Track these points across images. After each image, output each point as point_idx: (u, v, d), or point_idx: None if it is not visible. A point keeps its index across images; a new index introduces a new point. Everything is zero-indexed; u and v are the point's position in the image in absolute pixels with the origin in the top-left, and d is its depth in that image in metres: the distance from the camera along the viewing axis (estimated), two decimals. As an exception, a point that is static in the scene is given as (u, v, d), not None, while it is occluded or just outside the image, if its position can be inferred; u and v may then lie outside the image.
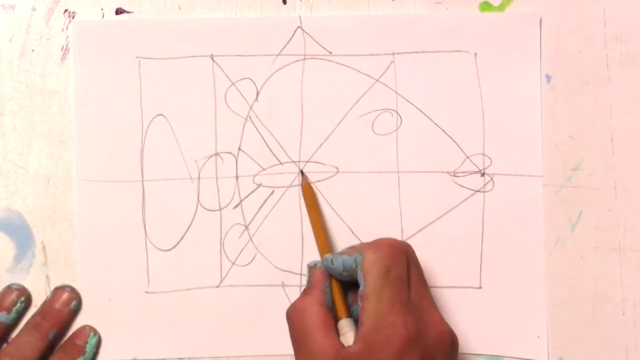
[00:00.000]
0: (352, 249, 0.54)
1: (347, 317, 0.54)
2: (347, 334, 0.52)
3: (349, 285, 0.55)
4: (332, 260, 0.54)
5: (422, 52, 0.61)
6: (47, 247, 0.60)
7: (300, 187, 0.60)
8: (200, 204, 0.60)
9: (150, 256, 0.60)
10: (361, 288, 0.51)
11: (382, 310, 0.50)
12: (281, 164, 0.60)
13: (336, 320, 0.53)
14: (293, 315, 0.53)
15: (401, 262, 0.52)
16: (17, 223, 0.60)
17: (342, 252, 0.54)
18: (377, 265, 0.51)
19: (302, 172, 0.60)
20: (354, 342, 0.51)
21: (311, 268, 0.56)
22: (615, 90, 0.61)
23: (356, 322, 0.53)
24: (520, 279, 0.60)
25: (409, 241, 0.60)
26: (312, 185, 0.60)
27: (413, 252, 0.54)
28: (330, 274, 0.55)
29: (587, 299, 0.60)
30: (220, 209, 0.60)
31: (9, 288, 0.59)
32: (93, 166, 0.60)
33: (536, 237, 0.60)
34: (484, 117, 0.61)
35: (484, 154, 0.60)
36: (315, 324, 0.52)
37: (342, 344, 0.51)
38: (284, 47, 0.60)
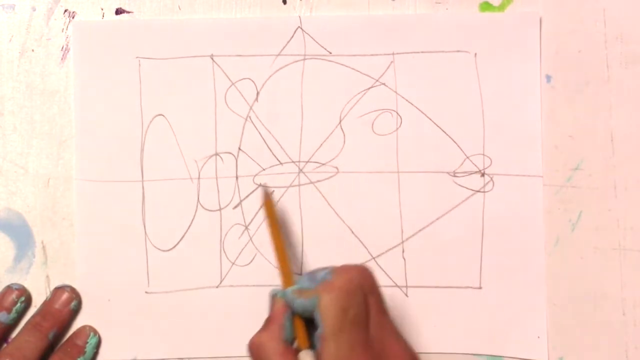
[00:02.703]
0: (309, 291, 0.52)
1: (308, 348, 0.53)
2: None
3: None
4: (293, 301, 0.53)
5: (422, 52, 0.61)
6: (47, 247, 0.60)
7: (262, 203, 0.59)
8: (200, 204, 0.60)
9: (150, 256, 0.60)
10: (319, 330, 0.50)
11: (341, 353, 0.50)
12: (281, 164, 0.60)
13: (296, 349, 0.53)
14: (252, 351, 0.52)
15: (357, 299, 0.51)
16: (17, 223, 0.60)
17: (302, 292, 0.52)
18: (334, 307, 0.50)
19: (262, 186, 0.59)
20: None
21: (273, 297, 0.54)
22: (615, 90, 0.61)
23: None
24: (520, 279, 0.60)
25: (409, 241, 0.60)
26: (272, 201, 0.59)
27: (371, 277, 0.52)
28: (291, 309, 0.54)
29: (587, 299, 0.60)
30: (220, 209, 0.60)
31: (9, 288, 0.59)
32: (93, 166, 0.60)
33: (536, 237, 0.60)
34: (484, 117, 0.61)
35: (484, 154, 0.60)
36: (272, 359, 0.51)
37: None
38: (284, 47, 0.60)
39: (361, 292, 0.51)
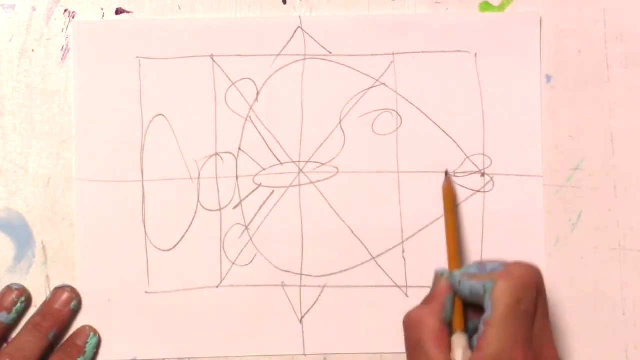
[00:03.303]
0: (480, 275, 0.53)
1: (463, 332, 0.54)
2: (459, 350, 0.52)
3: (470, 304, 0.55)
4: (460, 282, 0.54)
5: (422, 52, 0.61)
6: (47, 247, 0.60)
7: (442, 187, 0.59)
8: (200, 204, 0.60)
9: (150, 256, 0.60)
10: (487, 313, 0.51)
11: (504, 342, 0.50)
12: (281, 164, 0.60)
13: (451, 332, 0.53)
14: (409, 324, 0.53)
15: (532, 294, 0.51)
16: (17, 223, 0.60)
17: (472, 276, 0.53)
18: (509, 295, 0.51)
19: (446, 173, 0.60)
20: None
21: (437, 277, 0.55)
22: (615, 90, 0.61)
23: (470, 337, 0.53)
24: (520, 279, 0.60)
25: (409, 241, 0.60)
26: (453, 185, 0.59)
27: (542, 279, 0.53)
28: (454, 291, 0.55)
29: (587, 299, 0.60)
30: (220, 209, 0.60)
31: (9, 288, 0.59)
32: (93, 166, 0.60)
33: (536, 237, 0.60)
34: (484, 117, 0.61)
35: (484, 154, 0.60)
36: (429, 337, 0.52)
37: None
38: (284, 47, 0.60)
39: (535, 289, 0.52)
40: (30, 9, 0.61)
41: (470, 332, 0.54)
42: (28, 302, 0.60)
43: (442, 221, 0.60)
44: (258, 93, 0.60)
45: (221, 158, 0.60)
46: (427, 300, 0.55)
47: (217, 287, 0.60)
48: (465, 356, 0.52)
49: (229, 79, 0.60)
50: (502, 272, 0.52)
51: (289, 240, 0.60)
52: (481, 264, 0.54)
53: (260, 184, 0.60)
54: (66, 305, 0.59)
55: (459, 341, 0.53)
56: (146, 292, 0.60)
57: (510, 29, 0.61)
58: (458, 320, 0.54)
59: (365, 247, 0.60)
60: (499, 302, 0.51)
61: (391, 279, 0.60)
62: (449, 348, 0.52)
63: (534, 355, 0.51)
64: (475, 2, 0.61)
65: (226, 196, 0.60)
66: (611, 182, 0.61)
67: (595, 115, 0.61)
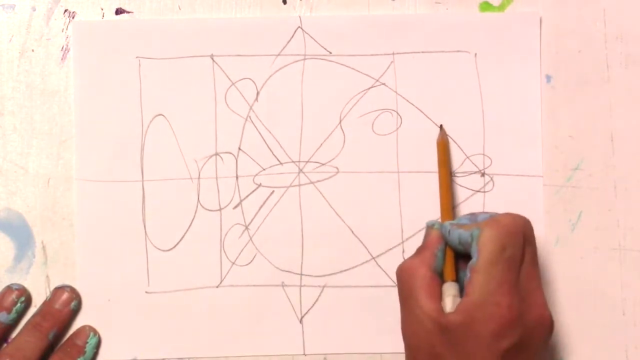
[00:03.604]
0: (469, 224, 0.54)
1: (454, 281, 0.54)
2: (449, 299, 0.53)
3: (461, 254, 0.55)
4: (449, 231, 0.55)
5: (422, 52, 0.61)
6: (47, 247, 0.60)
7: (437, 141, 0.59)
8: (200, 204, 0.60)
9: (150, 256, 0.60)
10: (473, 260, 0.52)
11: (490, 287, 0.51)
12: (281, 164, 0.60)
13: (442, 281, 0.54)
14: (402, 274, 0.54)
15: (517, 241, 0.52)
16: (17, 223, 0.60)
17: (461, 225, 0.55)
18: (493, 241, 0.52)
19: (441, 127, 0.60)
20: (456, 312, 0.52)
21: (429, 228, 0.56)
22: (615, 90, 0.61)
23: (461, 288, 0.54)
24: (520, 279, 0.60)
25: (409, 241, 0.60)
26: (447, 140, 0.60)
27: (531, 229, 0.54)
28: (445, 241, 0.56)
29: (587, 299, 0.60)
30: (220, 209, 0.60)
31: (9, 288, 0.59)
32: (93, 166, 0.60)
33: (536, 237, 0.60)
34: (484, 117, 0.61)
35: (484, 154, 0.60)
36: (420, 286, 0.53)
37: (443, 309, 0.52)
38: (284, 47, 0.60)
39: (522, 237, 0.53)
40: (30, 9, 0.61)
41: (462, 282, 0.54)
42: (28, 302, 0.60)
43: (442, 221, 0.60)
44: (258, 93, 0.60)
45: (221, 158, 0.60)
46: (419, 251, 0.55)
47: (217, 287, 0.60)
48: (455, 303, 0.53)
49: (229, 79, 0.60)
50: (489, 220, 0.53)
51: (289, 240, 0.60)
52: (472, 215, 0.56)
53: (260, 184, 0.60)
54: (66, 305, 0.59)
55: (449, 290, 0.54)
56: (146, 292, 0.60)
57: (510, 29, 0.61)
58: (449, 270, 0.55)
59: (365, 247, 0.60)
60: (484, 248, 0.52)
61: (391, 279, 0.60)
62: (440, 297, 0.53)
63: (520, 300, 0.52)
64: (475, 2, 0.61)
65: (226, 196, 0.60)
66: (611, 182, 0.61)
67: (595, 115, 0.61)
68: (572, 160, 0.61)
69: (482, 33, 0.61)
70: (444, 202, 0.58)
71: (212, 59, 0.60)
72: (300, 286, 0.60)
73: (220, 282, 0.60)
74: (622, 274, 0.60)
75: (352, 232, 0.60)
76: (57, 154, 0.60)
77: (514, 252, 0.52)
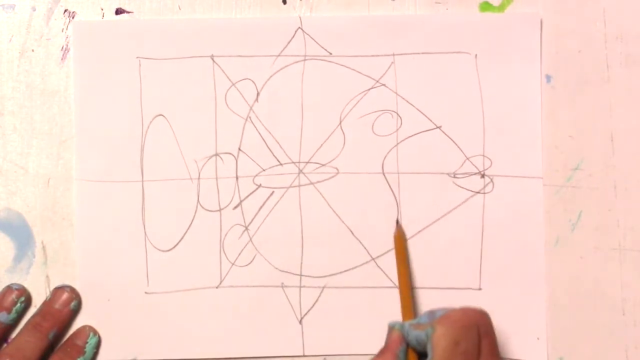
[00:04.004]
0: (425, 324, 0.54)
1: None
2: None
3: (423, 354, 0.55)
4: (407, 332, 0.55)
5: (423, 53, 0.61)
6: (47, 247, 0.60)
7: (394, 236, 0.59)
8: (200, 205, 0.60)
9: (149, 256, 0.60)
10: (428, 358, 0.52)
11: None
12: (281, 164, 0.60)
13: None
14: None
15: (471, 335, 0.52)
16: (17, 223, 0.60)
17: (418, 325, 0.54)
18: (446, 338, 0.52)
19: (397, 222, 0.60)
20: None
21: (390, 329, 0.56)
22: (615, 90, 0.61)
23: None
24: (520, 280, 0.60)
25: (409, 242, 0.60)
26: (404, 236, 0.60)
27: (488, 320, 0.54)
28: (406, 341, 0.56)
29: (587, 299, 0.60)
30: (220, 210, 0.60)
31: (9, 288, 0.59)
32: (93, 166, 0.60)
33: (536, 238, 0.60)
34: (484, 118, 0.60)
35: (484, 155, 0.60)
36: None
37: None
38: (284, 47, 0.60)
39: (476, 330, 0.53)
40: (30, 9, 0.61)
41: None
42: (28, 302, 0.60)
43: (442, 222, 0.60)
44: (258, 93, 0.60)
45: (221, 158, 0.60)
46: (381, 352, 0.56)
47: (216, 287, 0.60)
48: None
49: (229, 79, 0.60)
50: (441, 318, 0.53)
51: (289, 240, 0.60)
52: (431, 312, 0.55)
53: (260, 184, 0.60)
54: (66, 305, 0.59)
55: None
56: (146, 292, 0.60)
57: (510, 30, 0.61)
58: None
59: (365, 248, 0.60)
60: (437, 346, 0.52)
61: (391, 280, 0.60)
62: None
63: None
64: (475, 3, 0.61)
65: (226, 197, 0.60)
66: (611, 182, 0.61)
67: (595, 115, 0.61)
68: (572, 160, 0.61)
69: (482, 34, 0.60)
70: (404, 301, 0.58)
71: (212, 59, 0.60)
72: (300, 287, 0.60)
73: (220, 283, 0.60)
74: (622, 274, 0.60)
75: (352, 233, 0.60)
76: (57, 154, 0.60)
77: (467, 346, 0.52)
